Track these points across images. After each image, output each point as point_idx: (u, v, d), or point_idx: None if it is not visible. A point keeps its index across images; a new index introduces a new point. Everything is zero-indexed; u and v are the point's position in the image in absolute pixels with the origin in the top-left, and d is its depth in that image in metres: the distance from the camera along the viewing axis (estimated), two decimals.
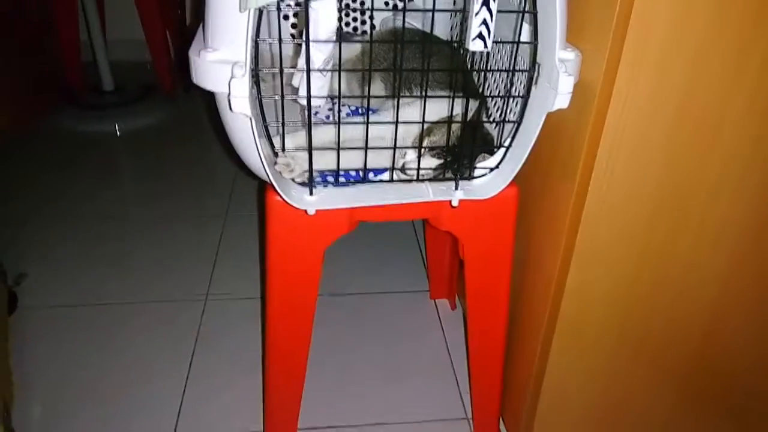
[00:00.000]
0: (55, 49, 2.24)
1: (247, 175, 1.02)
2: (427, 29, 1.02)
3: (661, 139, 0.71)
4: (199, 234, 1.57)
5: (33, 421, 1.06)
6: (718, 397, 0.98)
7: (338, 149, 0.70)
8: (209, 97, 0.67)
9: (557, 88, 0.63)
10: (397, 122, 0.69)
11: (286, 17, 1.09)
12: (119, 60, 2.29)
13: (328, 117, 0.93)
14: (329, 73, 0.70)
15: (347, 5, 1.11)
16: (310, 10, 0.61)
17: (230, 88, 0.59)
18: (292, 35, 1.12)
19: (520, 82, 0.74)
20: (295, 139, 0.75)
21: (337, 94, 0.68)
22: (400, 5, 1.10)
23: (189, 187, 1.79)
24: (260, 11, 0.59)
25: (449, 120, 0.72)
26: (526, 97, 0.69)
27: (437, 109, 0.75)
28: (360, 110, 0.96)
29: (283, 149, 0.70)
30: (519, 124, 0.71)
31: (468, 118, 0.71)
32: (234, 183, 1.81)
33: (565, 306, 0.83)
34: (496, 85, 0.86)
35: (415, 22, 1.07)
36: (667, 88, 0.68)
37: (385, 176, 0.78)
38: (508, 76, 0.77)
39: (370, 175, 0.77)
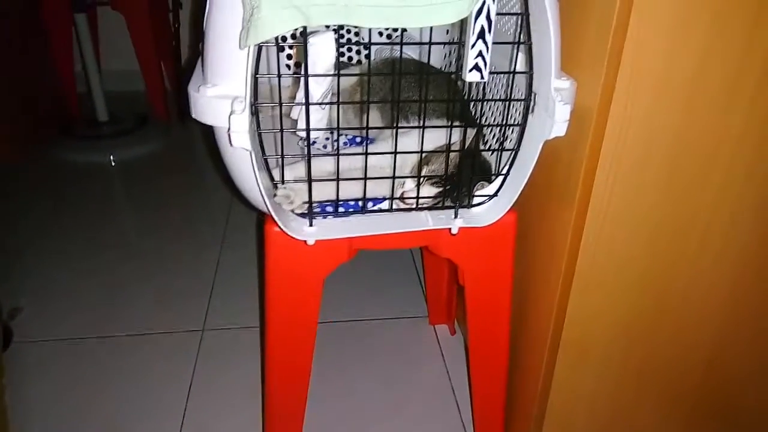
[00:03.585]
0: (51, 80, 2.25)
1: (245, 206, 1.02)
2: (422, 59, 1.04)
3: (658, 165, 0.72)
4: (196, 263, 1.56)
5: None
6: (726, 420, 0.97)
7: (338, 180, 0.70)
8: (205, 128, 0.67)
9: (554, 117, 0.64)
10: (396, 152, 0.70)
11: (282, 49, 1.11)
12: (114, 90, 2.30)
13: (325, 147, 0.94)
14: (327, 105, 0.71)
15: (344, 37, 1.12)
16: (309, 46, 0.62)
17: (230, 123, 0.60)
18: (288, 66, 1.13)
19: (517, 111, 0.75)
20: (294, 170, 0.75)
21: (334, 124, 0.68)
22: (395, 37, 1.12)
23: (184, 216, 1.79)
24: (259, 46, 0.60)
25: (447, 149, 0.72)
26: (523, 125, 0.70)
27: (434, 138, 0.76)
28: (357, 139, 0.97)
29: (283, 181, 0.70)
30: (516, 152, 0.71)
31: (465, 147, 0.71)
32: (229, 211, 1.81)
33: (568, 332, 0.83)
34: (492, 113, 0.87)
35: (409, 50, 1.09)
36: (663, 114, 0.69)
37: (384, 205, 0.78)
38: (504, 105, 0.78)
39: (369, 205, 0.77)
